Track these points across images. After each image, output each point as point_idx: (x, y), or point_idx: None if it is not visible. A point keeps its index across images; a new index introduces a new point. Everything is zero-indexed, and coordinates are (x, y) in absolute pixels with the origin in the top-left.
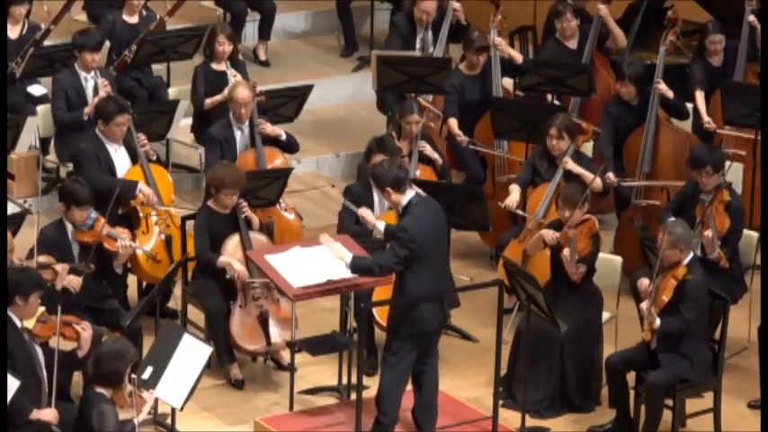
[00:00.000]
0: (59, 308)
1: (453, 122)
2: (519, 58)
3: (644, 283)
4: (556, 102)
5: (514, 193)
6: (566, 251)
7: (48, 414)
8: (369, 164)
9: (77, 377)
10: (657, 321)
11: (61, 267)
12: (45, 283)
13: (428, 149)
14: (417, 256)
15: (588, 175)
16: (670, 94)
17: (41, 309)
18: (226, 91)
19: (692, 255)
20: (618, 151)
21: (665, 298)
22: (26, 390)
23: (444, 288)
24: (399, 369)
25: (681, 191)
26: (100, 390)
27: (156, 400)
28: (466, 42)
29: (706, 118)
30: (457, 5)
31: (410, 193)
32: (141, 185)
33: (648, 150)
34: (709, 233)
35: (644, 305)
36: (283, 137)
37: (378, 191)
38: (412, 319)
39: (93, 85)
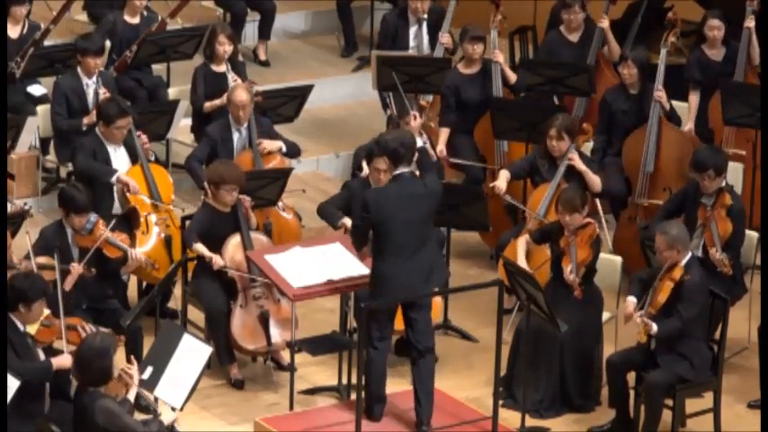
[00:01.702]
0: (62, 312)
1: (444, 134)
2: (513, 78)
3: (629, 307)
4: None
5: (501, 180)
6: (567, 269)
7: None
8: (369, 166)
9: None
10: (654, 328)
11: (73, 267)
12: (50, 290)
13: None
14: (378, 233)
15: (590, 174)
16: (667, 105)
17: (47, 312)
18: (225, 96)
19: (689, 255)
20: (617, 152)
21: (661, 299)
22: (29, 394)
23: (411, 275)
24: (374, 346)
25: (681, 191)
26: (92, 389)
27: (156, 399)
28: (461, 35)
29: (689, 126)
30: (445, 40)
31: (402, 169)
32: (120, 173)
33: (651, 151)
34: (716, 253)
35: (637, 315)
36: (284, 149)
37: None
38: (371, 296)
39: (95, 89)
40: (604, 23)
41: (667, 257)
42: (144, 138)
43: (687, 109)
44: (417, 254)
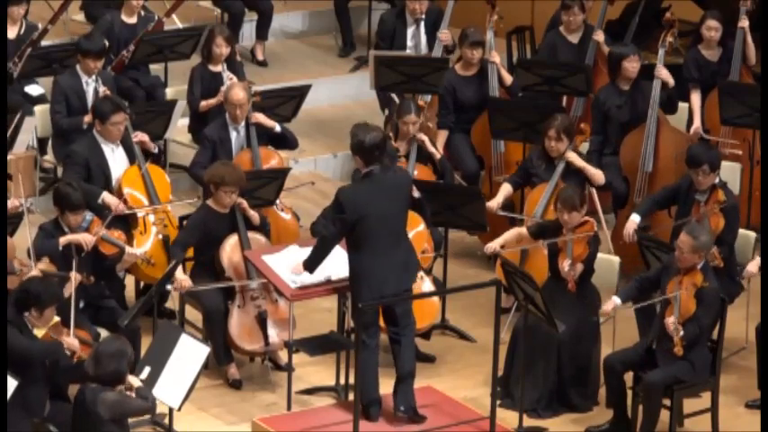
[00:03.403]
0: (72, 321)
1: (443, 136)
2: (509, 80)
3: (610, 306)
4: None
5: (498, 196)
6: (565, 263)
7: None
8: None
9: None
10: (681, 331)
11: (72, 276)
12: (63, 296)
13: (427, 143)
14: (355, 230)
15: (590, 169)
16: (670, 80)
17: (56, 319)
18: (221, 94)
19: (704, 260)
20: (615, 150)
21: (691, 306)
22: (32, 392)
23: (387, 269)
24: (366, 344)
25: (675, 185)
26: (94, 385)
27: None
28: (460, 38)
29: (697, 123)
30: (444, 37)
31: (374, 165)
32: (105, 195)
33: (650, 150)
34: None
35: (670, 320)
36: (277, 129)
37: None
38: (354, 293)
39: (94, 89)
40: (599, 37)
41: (687, 260)
42: (140, 135)
43: (688, 109)
44: (392, 249)
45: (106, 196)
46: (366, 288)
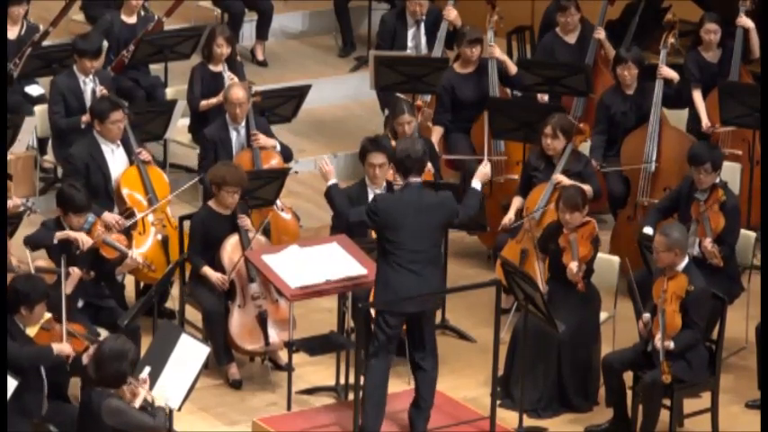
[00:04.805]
0: (64, 316)
1: (438, 133)
2: (513, 69)
3: (642, 323)
4: None
5: (510, 211)
6: (572, 265)
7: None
8: (363, 164)
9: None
10: (671, 345)
11: (72, 271)
12: (51, 291)
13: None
14: (383, 237)
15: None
16: (675, 75)
17: (47, 315)
18: (221, 94)
19: (687, 259)
20: (618, 152)
21: (678, 321)
22: (28, 390)
23: (420, 283)
24: (377, 358)
25: (676, 189)
26: (100, 389)
27: (153, 399)
28: (459, 36)
29: (705, 120)
30: (452, 16)
31: (413, 179)
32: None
33: (653, 150)
34: (708, 243)
35: (658, 341)
36: (278, 148)
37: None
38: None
39: (92, 88)
40: (600, 35)
41: (664, 259)
42: (144, 153)
43: (687, 110)
44: (425, 268)
45: (106, 215)
46: (384, 298)
